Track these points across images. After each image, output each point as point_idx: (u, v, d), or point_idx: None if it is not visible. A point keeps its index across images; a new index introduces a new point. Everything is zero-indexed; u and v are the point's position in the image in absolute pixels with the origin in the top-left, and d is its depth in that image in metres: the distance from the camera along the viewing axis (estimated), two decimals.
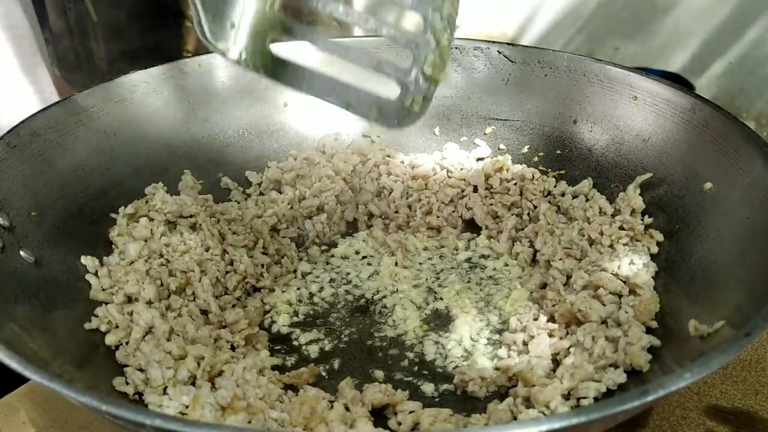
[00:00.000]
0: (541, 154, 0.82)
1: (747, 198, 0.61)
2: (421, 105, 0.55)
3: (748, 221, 0.59)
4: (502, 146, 0.84)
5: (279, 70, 0.55)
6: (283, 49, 0.55)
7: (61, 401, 0.62)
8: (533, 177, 0.79)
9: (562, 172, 0.80)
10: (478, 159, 0.84)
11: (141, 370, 0.57)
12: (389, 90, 0.55)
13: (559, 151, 0.81)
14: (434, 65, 0.54)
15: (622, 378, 0.56)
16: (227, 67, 0.81)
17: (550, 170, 0.80)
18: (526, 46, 0.84)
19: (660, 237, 0.69)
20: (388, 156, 0.84)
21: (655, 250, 0.68)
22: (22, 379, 0.66)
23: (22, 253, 0.61)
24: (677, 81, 0.88)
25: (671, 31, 1.71)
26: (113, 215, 0.71)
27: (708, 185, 0.66)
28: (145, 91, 0.77)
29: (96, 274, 0.66)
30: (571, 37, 1.83)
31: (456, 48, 0.84)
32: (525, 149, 0.83)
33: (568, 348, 0.60)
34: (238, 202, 0.79)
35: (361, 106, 0.55)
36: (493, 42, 0.84)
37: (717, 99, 1.18)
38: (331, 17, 0.56)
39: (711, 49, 1.68)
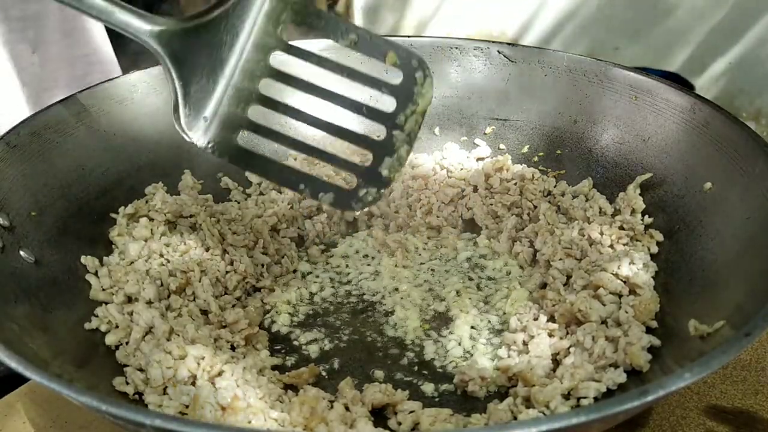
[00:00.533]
0: (541, 154, 0.82)
1: (747, 198, 0.61)
2: (374, 196, 0.60)
3: (748, 221, 0.59)
4: (502, 146, 0.84)
5: (243, 158, 0.61)
6: (247, 141, 0.62)
7: (61, 401, 0.62)
8: (533, 177, 0.79)
9: (562, 172, 0.80)
10: (478, 159, 0.84)
11: (141, 370, 0.57)
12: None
13: (559, 151, 0.81)
14: (390, 168, 0.60)
15: (622, 378, 0.56)
16: None
17: (550, 170, 0.80)
18: (526, 46, 0.84)
19: (660, 237, 0.69)
20: None
21: (655, 250, 0.68)
22: (22, 379, 0.66)
23: (22, 253, 0.61)
24: (677, 81, 0.88)
25: (671, 31, 1.71)
26: (113, 215, 0.71)
27: (708, 185, 0.66)
28: (145, 91, 0.77)
29: (96, 274, 0.66)
30: (571, 37, 1.83)
31: (456, 48, 0.84)
32: (525, 149, 0.83)
33: (568, 348, 0.60)
34: (238, 202, 0.79)
35: (316, 192, 0.61)
36: (493, 42, 0.84)
37: (717, 99, 1.18)
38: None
39: (711, 49, 1.68)
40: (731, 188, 0.63)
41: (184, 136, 0.59)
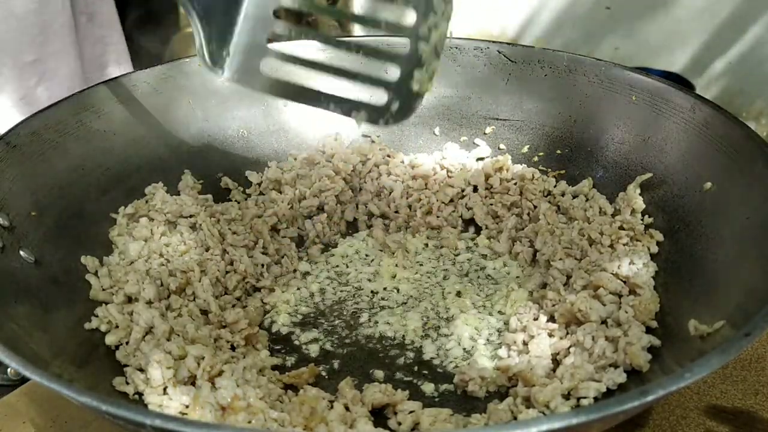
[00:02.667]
0: (541, 154, 0.82)
1: (747, 198, 0.61)
2: (405, 112, 0.59)
3: (748, 221, 0.59)
4: (502, 146, 0.84)
5: (269, 85, 0.62)
6: (273, 67, 0.61)
7: (61, 401, 0.62)
8: (533, 177, 0.79)
9: (562, 172, 0.80)
10: (478, 159, 0.84)
11: (141, 370, 0.57)
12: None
13: (559, 151, 0.81)
14: (421, 82, 0.58)
15: (622, 378, 0.56)
16: None
17: (550, 170, 0.80)
18: (526, 46, 0.84)
19: (660, 237, 0.69)
20: (388, 156, 0.84)
21: (655, 250, 0.68)
22: (22, 379, 0.66)
23: (22, 253, 0.61)
24: (677, 81, 0.88)
25: (671, 31, 1.71)
26: (113, 215, 0.71)
27: (708, 185, 0.66)
28: (145, 91, 0.77)
29: (96, 274, 0.66)
30: (571, 37, 1.83)
31: (456, 48, 0.84)
32: (525, 149, 0.83)
33: (568, 348, 0.60)
34: (238, 202, 0.79)
35: (348, 110, 0.60)
36: (493, 42, 0.84)
37: (717, 99, 1.18)
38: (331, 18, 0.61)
39: (711, 49, 1.68)
40: (731, 188, 0.63)
41: (211, 70, 0.60)
